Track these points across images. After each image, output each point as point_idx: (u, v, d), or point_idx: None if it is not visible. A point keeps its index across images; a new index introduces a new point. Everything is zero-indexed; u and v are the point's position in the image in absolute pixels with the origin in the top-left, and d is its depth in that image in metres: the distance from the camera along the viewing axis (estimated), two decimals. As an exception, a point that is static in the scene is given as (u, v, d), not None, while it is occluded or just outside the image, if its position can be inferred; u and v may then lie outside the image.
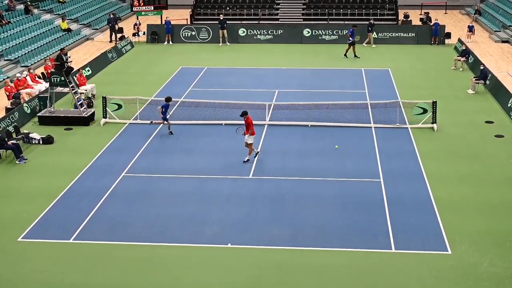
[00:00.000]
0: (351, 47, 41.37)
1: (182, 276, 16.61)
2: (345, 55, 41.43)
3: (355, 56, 41.33)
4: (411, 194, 21.18)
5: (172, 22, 47.55)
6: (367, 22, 45.58)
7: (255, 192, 21.47)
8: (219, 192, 21.54)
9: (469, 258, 17.28)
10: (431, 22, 48.76)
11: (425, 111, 27.94)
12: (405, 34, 46.09)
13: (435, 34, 45.62)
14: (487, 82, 33.28)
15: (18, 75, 32.79)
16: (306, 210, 20.13)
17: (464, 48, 39.24)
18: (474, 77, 34.01)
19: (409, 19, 50.54)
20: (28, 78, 32.76)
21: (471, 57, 38.34)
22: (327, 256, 17.49)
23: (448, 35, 45.98)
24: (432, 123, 27.47)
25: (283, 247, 17.91)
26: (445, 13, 58.04)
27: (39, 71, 36.48)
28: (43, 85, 32.48)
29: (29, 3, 47.18)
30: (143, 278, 16.50)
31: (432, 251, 17.60)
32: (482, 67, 33.80)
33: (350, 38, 41.26)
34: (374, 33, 45.22)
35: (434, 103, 27.49)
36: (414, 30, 46.57)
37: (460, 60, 38.22)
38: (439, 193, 21.26)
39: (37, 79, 33.26)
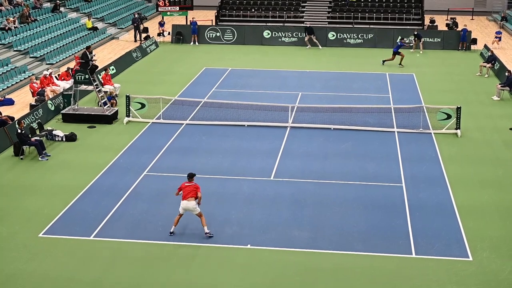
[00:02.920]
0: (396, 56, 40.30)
1: (201, 276, 16.61)
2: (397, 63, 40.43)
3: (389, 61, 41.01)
4: (433, 199, 21.02)
5: (198, 23, 47.67)
6: (415, 33, 44.87)
7: (276, 194, 21.43)
8: (240, 193, 21.53)
9: (490, 265, 17.10)
10: (457, 28, 48.43)
11: (449, 116, 27.72)
12: (430, 39, 45.76)
13: (462, 40, 45.23)
14: (513, 88, 33.00)
15: (46, 72, 33.03)
16: (326, 213, 20.05)
17: (490, 54, 38.90)
18: (499, 84, 33.72)
19: (435, 24, 50.19)
20: (53, 76, 33.00)
21: (497, 63, 38.00)
22: (347, 259, 17.40)
23: (474, 41, 45.59)
24: (456, 129, 27.23)
25: (303, 250, 17.85)
26: (472, 19, 57.57)
27: (63, 69, 36.74)
28: (68, 83, 32.72)
29: (58, 1, 47.53)
30: (162, 277, 16.52)
31: (453, 257, 17.44)
32: (507, 74, 33.47)
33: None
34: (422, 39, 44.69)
35: (458, 109, 27.27)
36: (440, 35, 46.22)
37: (486, 66, 37.91)
38: (461, 198, 21.09)
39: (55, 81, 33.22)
